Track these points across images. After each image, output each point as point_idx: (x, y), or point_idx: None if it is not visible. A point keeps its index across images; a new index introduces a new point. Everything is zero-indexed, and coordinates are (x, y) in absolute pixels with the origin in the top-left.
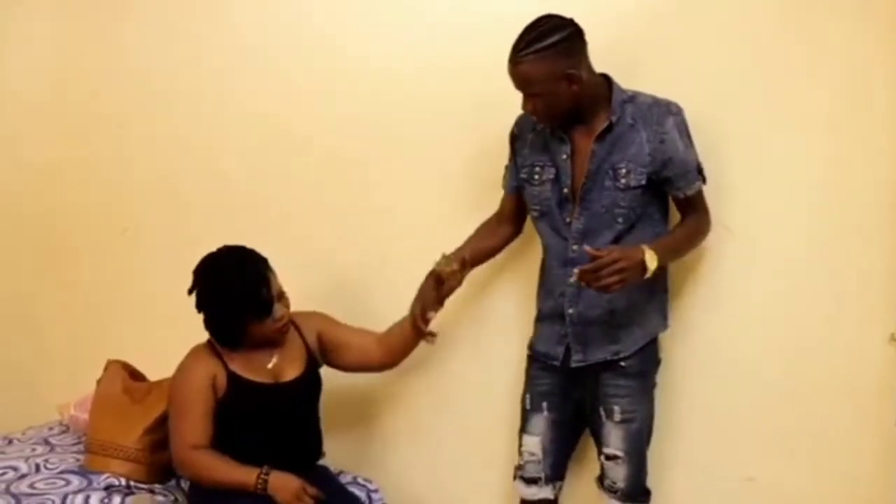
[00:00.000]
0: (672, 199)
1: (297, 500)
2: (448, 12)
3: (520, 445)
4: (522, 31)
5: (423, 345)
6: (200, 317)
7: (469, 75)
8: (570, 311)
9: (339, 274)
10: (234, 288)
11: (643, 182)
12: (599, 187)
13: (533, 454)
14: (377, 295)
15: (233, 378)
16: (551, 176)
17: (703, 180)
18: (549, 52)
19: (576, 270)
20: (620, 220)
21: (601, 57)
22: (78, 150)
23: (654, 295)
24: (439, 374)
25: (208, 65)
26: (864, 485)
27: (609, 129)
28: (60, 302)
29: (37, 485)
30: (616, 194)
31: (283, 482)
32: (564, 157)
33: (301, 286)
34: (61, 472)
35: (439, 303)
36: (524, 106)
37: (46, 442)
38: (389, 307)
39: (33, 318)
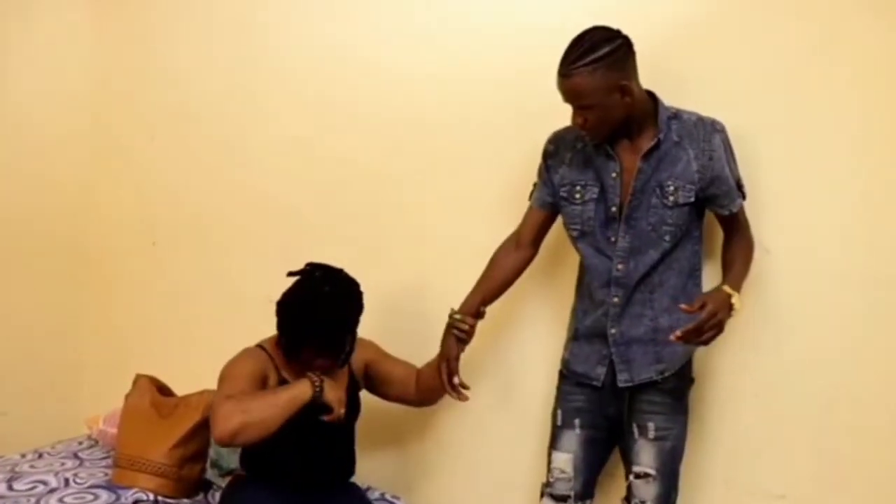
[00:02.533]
0: (716, 216)
1: (336, 399)
2: (491, 29)
3: (549, 462)
4: (571, 44)
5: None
6: (230, 331)
7: (508, 97)
8: (613, 330)
9: (372, 292)
10: (323, 319)
11: (691, 199)
12: (646, 205)
13: (563, 471)
14: (412, 315)
15: (282, 383)
16: (594, 195)
17: (744, 196)
18: (601, 63)
19: (677, 334)
20: (667, 237)
21: (641, 73)
22: (110, 166)
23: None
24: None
25: (240, 80)
26: None
27: (657, 146)
28: (90, 317)
29: (66, 499)
30: (664, 212)
31: (332, 387)
32: (614, 175)
33: None
34: (90, 487)
35: (458, 359)
36: (574, 120)
37: (76, 456)
38: (423, 328)
39: (65, 333)
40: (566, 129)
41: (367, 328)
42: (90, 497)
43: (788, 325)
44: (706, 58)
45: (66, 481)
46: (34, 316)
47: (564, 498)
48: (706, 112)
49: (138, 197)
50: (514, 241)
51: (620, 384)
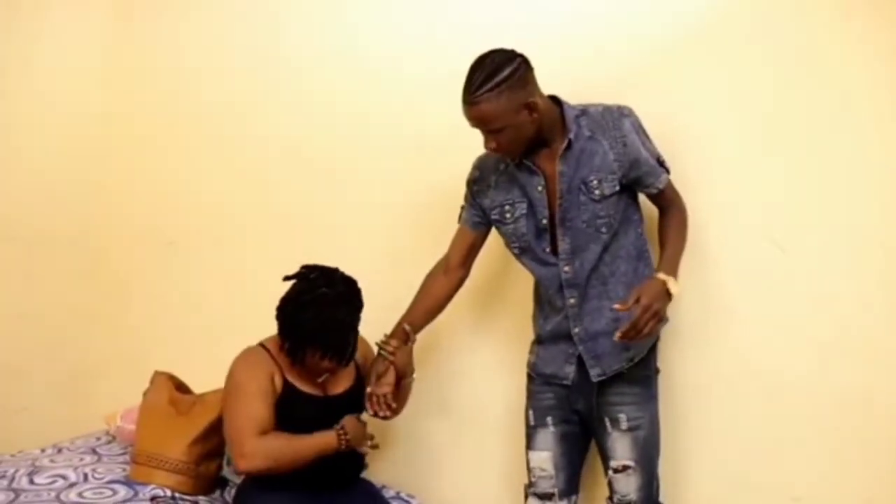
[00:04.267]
0: (646, 196)
1: (364, 441)
2: (479, 28)
3: (528, 462)
4: (471, 71)
5: (467, 361)
6: (246, 329)
7: None
8: (577, 329)
9: (382, 293)
10: (324, 320)
11: (617, 188)
12: (576, 204)
13: (544, 469)
14: None
15: (288, 385)
16: (523, 211)
17: (667, 170)
18: (505, 85)
19: (618, 335)
20: (604, 230)
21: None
22: (124, 165)
23: None
24: (486, 391)
25: (252, 80)
26: None
27: (569, 146)
28: (108, 314)
29: (85, 494)
30: (594, 207)
31: (354, 427)
32: (539, 188)
33: None
34: (108, 482)
35: (395, 385)
36: (487, 144)
37: (94, 451)
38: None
39: (82, 330)
40: (487, 154)
41: (373, 328)
42: (109, 492)
43: (800, 324)
44: (700, 56)
45: (85, 476)
46: (53, 314)
47: (549, 496)
48: (712, 113)
49: (155, 196)
50: (443, 265)
51: (594, 379)
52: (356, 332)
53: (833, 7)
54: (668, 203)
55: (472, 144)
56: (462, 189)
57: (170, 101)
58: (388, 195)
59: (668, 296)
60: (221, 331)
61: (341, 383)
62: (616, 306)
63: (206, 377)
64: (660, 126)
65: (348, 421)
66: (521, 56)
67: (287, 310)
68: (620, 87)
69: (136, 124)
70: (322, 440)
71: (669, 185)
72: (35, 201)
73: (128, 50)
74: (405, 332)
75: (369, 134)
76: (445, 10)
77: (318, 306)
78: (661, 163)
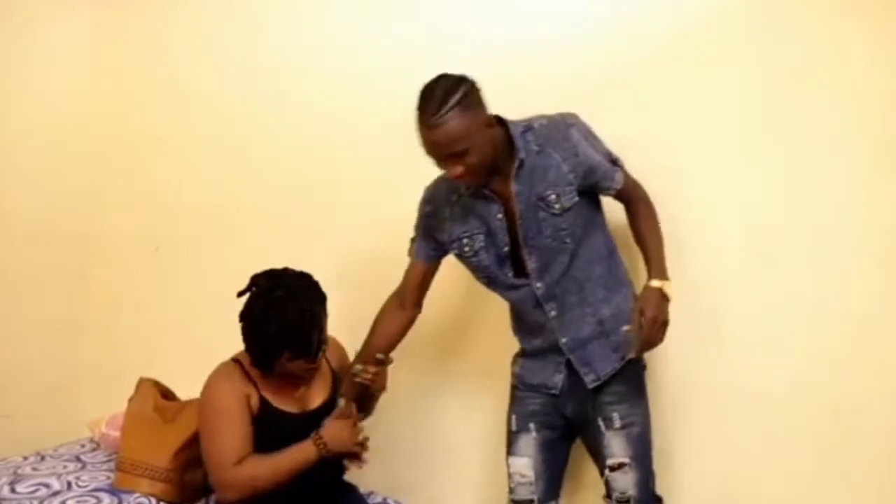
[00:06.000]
0: (607, 196)
1: (355, 445)
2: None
3: (508, 468)
4: (424, 97)
5: (453, 368)
6: (232, 335)
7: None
8: (564, 339)
9: (371, 297)
10: (285, 322)
11: (575, 199)
12: (536, 222)
13: (524, 476)
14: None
15: (264, 403)
16: (482, 244)
17: (621, 167)
18: (465, 102)
19: (631, 353)
20: (568, 240)
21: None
22: (109, 170)
23: (625, 290)
24: (469, 397)
25: (242, 86)
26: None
27: (521, 165)
28: (94, 320)
29: (68, 502)
30: (555, 221)
31: (335, 432)
32: (500, 216)
33: (334, 308)
34: (92, 490)
35: (367, 411)
36: (452, 171)
37: (78, 459)
38: (430, 326)
39: (68, 337)
40: (436, 185)
41: (362, 329)
42: (93, 500)
43: (790, 325)
44: (676, 60)
45: (69, 484)
46: (38, 319)
47: (528, 502)
48: (703, 122)
49: (141, 202)
50: (396, 301)
51: (590, 385)
52: (321, 325)
53: (824, 9)
54: (631, 197)
55: None
56: None
57: (158, 105)
58: (380, 199)
59: (666, 300)
60: (207, 338)
61: (318, 395)
62: (625, 328)
63: (192, 384)
64: (646, 126)
65: (327, 427)
66: (469, 79)
67: (249, 322)
68: (606, 87)
69: (122, 129)
70: (300, 453)
71: (627, 181)
72: (20, 206)
73: (116, 56)
74: (379, 360)
75: (360, 137)
76: (444, 17)
77: (276, 309)
78: (613, 161)
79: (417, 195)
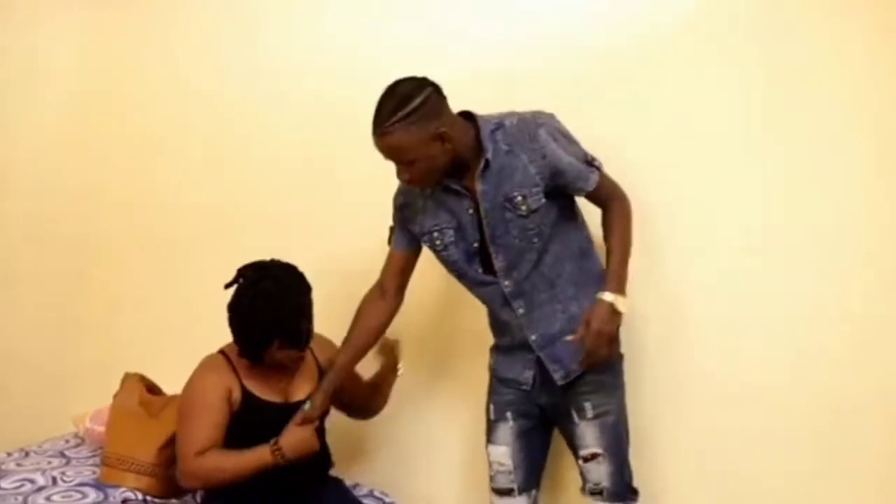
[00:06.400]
0: (579, 197)
1: (309, 447)
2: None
3: (488, 456)
4: (380, 101)
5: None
6: (220, 330)
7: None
8: (533, 336)
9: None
10: (274, 312)
11: (543, 201)
12: (503, 222)
13: (502, 464)
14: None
15: (247, 395)
16: (451, 238)
17: (597, 168)
18: (415, 116)
19: (574, 367)
20: (536, 239)
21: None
22: (110, 171)
23: (596, 283)
24: (452, 388)
25: (242, 83)
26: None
27: (487, 165)
28: (80, 315)
29: (53, 497)
30: (522, 222)
31: (295, 441)
32: (470, 211)
33: (326, 303)
34: (78, 485)
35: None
36: (400, 176)
37: (62, 454)
38: (414, 322)
39: (53, 332)
40: None
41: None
42: (78, 496)
43: (770, 312)
44: (685, 58)
45: (54, 480)
46: (22, 315)
47: (508, 491)
48: (694, 117)
49: (140, 202)
50: (378, 291)
51: (559, 382)
52: (309, 315)
53: (824, 9)
54: (605, 199)
55: None
56: None
57: (157, 102)
58: (382, 196)
59: (616, 315)
60: (194, 332)
61: (303, 388)
62: (568, 338)
63: (179, 379)
64: (645, 127)
65: (286, 434)
66: (433, 84)
67: (237, 313)
68: (606, 87)
69: (122, 129)
70: (257, 459)
71: (603, 183)
72: (20, 206)
73: (115, 56)
74: (324, 398)
75: (361, 135)
76: (444, 17)
77: (265, 299)
78: (589, 162)
79: None
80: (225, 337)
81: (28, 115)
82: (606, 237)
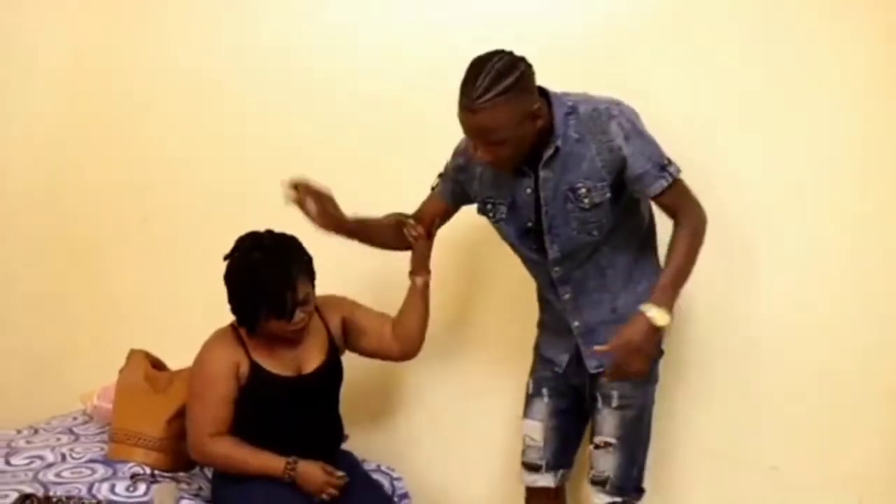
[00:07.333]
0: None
1: (325, 489)
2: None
3: (522, 429)
4: (471, 75)
5: (443, 337)
6: (223, 305)
7: None
8: (576, 323)
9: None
10: (258, 282)
11: (607, 195)
12: (563, 213)
13: (533, 440)
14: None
15: (255, 368)
16: (503, 215)
17: (671, 175)
18: (511, 93)
19: (603, 380)
20: (595, 232)
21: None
22: (99, 142)
23: (649, 278)
24: (461, 364)
25: (235, 57)
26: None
27: (555, 153)
28: (84, 292)
29: (63, 473)
30: (583, 215)
31: (310, 474)
32: (528, 191)
33: (324, 277)
34: (87, 461)
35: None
36: (483, 156)
37: (71, 431)
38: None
39: (58, 310)
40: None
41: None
42: (88, 471)
43: (778, 296)
44: (680, 41)
45: (63, 456)
46: (27, 292)
47: (537, 467)
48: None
49: (129, 173)
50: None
51: (591, 370)
52: (294, 285)
53: (824, 9)
54: (672, 212)
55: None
56: None
57: (147, 77)
58: (375, 183)
59: (654, 331)
60: (197, 308)
61: (314, 359)
62: (596, 348)
63: (183, 354)
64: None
65: (306, 466)
66: (524, 60)
67: (228, 283)
68: (606, 87)
69: (107, 100)
70: (268, 466)
71: (671, 193)
72: (11, 182)
73: (103, 34)
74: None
75: (359, 121)
76: (444, 14)
77: (252, 270)
78: (663, 166)
79: (418, 193)
80: (222, 311)
81: (17, 90)
82: (667, 253)
